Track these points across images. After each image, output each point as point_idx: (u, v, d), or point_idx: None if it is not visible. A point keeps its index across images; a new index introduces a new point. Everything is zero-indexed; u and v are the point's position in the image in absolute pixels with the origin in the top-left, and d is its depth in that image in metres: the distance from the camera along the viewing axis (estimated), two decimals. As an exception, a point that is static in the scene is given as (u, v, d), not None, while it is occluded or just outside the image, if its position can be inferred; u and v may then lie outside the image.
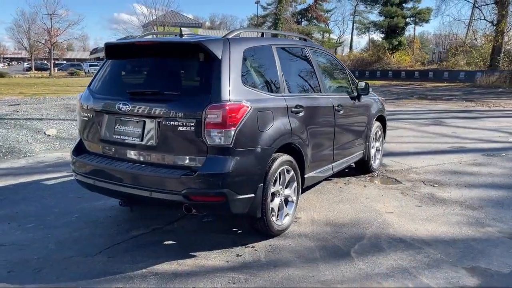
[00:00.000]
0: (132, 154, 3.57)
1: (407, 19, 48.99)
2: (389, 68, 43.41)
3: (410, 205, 4.77)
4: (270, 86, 3.94)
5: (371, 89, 5.58)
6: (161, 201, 3.43)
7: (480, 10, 35.20)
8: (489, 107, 16.00)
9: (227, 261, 3.44)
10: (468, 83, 29.82)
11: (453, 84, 30.71)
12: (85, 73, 49.97)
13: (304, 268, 3.31)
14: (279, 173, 3.77)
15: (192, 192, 3.25)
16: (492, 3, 34.73)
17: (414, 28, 53.09)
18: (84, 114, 3.90)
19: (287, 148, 3.89)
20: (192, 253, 3.58)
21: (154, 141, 3.44)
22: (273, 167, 3.65)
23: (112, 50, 3.90)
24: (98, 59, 65.23)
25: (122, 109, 3.53)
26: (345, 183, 5.62)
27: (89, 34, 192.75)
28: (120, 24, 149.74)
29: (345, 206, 4.72)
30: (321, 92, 4.67)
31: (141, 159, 3.52)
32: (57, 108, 12.47)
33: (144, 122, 3.48)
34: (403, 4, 49.01)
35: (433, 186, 5.49)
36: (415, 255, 3.52)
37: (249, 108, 3.40)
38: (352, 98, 5.32)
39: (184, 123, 3.29)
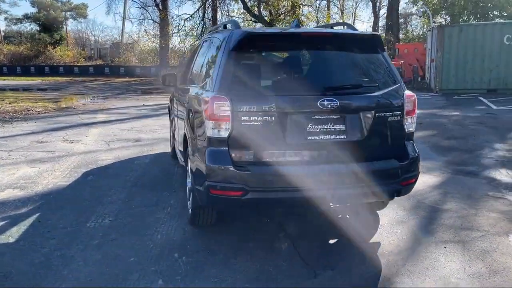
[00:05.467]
0: (335, 153, 3.27)
1: (67, 13, 47.23)
2: (54, 64, 40.69)
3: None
4: None
5: None
6: (374, 194, 3.40)
7: (146, 10, 38.28)
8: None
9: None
10: (155, 78, 32.22)
11: (139, 78, 32.48)
12: None
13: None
14: None
15: (406, 177, 3.45)
16: (153, 5, 38.36)
17: (66, 24, 51.34)
18: (248, 118, 3.15)
19: None
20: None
21: (360, 136, 3.33)
22: None
23: (266, 41, 3.30)
24: None
25: (328, 106, 3.18)
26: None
27: None
28: None
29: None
30: None
31: (348, 156, 3.30)
32: None
33: (345, 117, 3.29)
34: (59, -2, 46.90)
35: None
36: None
37: None
38: None
39: (389, 114, 3.40)
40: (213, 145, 3.25)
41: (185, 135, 4.11)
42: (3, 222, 4.06)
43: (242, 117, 3.16)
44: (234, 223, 4.08)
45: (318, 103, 3.19)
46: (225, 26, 4.21)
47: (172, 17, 36.94)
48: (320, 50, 3.48)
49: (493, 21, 23.09)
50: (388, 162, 3.42)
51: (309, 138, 3.24)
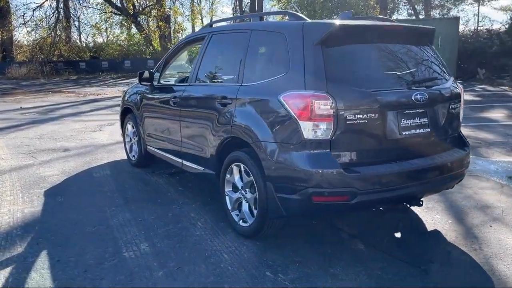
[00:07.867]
0: (423, 146, 3.32)
1: None
2: None
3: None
4: None
5: None
6: (450, 183, 3.52)
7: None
8: (89, 96, 16.81)
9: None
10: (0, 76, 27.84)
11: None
12: None
13: None
14: None
15: (466, 165, 3.65)
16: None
17: None
18: (353, 116, 2.98)
19: None
20: None
21: (439, 127, 3.42)
22: None
23: (351, 34, 3.19)
24: None
25: (420, 100, 3.19)
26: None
27: None
28: None
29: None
30: None
31: (433, 148, 3.39)
32: None
33: (427, 110, 3.33)
34: None
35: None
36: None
37: None
38: None
39: (455, 104, 3.57)
40: (311, 148, 2.97)
41: (224, 140, 3.67)
42: (9, 268, 3.10)
43: (347, 116, 2.96)
44: (285, 229, 3.78)
45: (412, 97, 3.17)
46: (261, 18, 3.87)
47: (16, 6, 32.56)
48: (398, 43, 3.44)
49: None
50: (458, 151, 3.59)
51: (403, 133, 3.20)
